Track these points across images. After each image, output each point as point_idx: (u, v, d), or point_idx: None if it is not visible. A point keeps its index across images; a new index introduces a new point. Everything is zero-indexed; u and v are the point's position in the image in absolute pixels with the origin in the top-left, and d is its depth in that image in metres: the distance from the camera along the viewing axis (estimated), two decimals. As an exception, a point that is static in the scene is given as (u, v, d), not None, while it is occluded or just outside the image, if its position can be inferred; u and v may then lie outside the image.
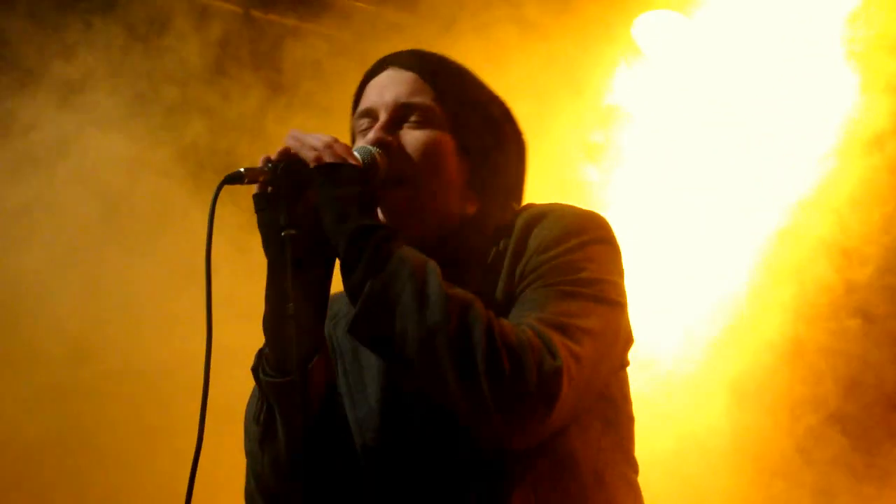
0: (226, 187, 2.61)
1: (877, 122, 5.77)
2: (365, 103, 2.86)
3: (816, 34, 5.84)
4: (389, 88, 2.83)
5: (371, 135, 2.76)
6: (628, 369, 2.85)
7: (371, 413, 2.81)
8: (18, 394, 5.73)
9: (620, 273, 2.76)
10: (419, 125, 2.79)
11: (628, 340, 2.77)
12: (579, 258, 2.65)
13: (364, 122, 2.83)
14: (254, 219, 2.76)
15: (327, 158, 2.60)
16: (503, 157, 2.91)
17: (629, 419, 2.82)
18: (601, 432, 2.71)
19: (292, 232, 2.60)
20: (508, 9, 5.82)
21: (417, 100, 2.81)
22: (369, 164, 2.68)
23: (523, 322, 2.53)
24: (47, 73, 5.73)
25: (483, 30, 5.77)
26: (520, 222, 2.72)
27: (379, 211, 2.73)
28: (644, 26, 5.90)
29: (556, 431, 2.57)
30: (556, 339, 2.47)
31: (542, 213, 2.73)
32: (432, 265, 2.52)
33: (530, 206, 2.84)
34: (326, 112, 5.53)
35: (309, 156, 2.61)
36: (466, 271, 2.69)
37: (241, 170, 2.60)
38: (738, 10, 5.89)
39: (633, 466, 2.79)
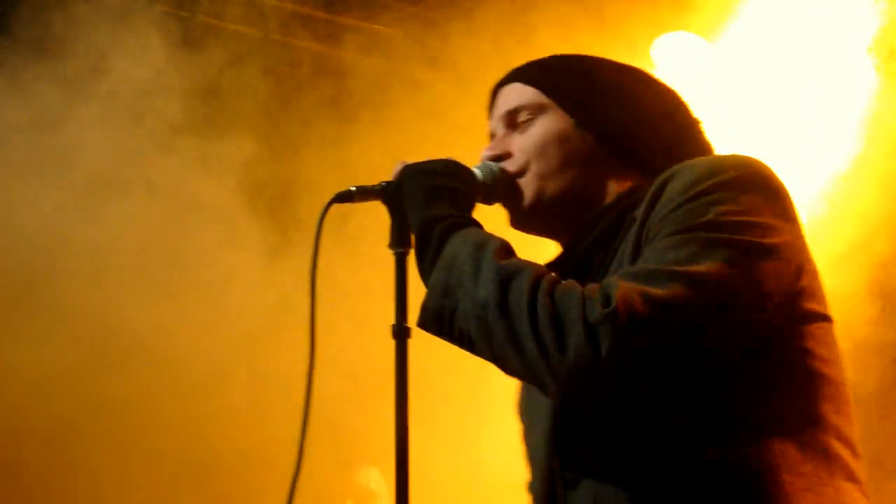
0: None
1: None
2: (489, 132, 2.83)
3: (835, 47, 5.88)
4: (499, 107, 2.80)
5: (484, 153, 2.74)
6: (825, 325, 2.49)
7: (538, 454, 2.69)
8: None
9: (769, 211, 2.40)
10: (527, 123, 2.73)
11: (787, 290, 2.40)
12: (703, 203, 2.38)
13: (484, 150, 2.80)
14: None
15: None
16: (642, 124, 2.70)
17: (817, 387, 2.43)
18: (757, 398, 2.39)
19: (400, 250, 2.63)
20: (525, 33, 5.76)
21: (517, 103, 2.75)
22: (489, 178, 2.67)
23: (604, 285, 2.36)
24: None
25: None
26: (655, 183, 2.49)
27: (515, 216, 2.70)
28: (663, 47, 5.94)
29: (658, 384, 2.37)
30: (625, 286, 2.29)
31: (679, 169, 2.48)
32: (493, 243, 2.45)
33: (677, 166, 2.54)
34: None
35: None
36: (606, 251, 2.58)
37: (352, 188, 2.64)
38: (758, 29, 5.91)
39: (807, 457, 2.37)
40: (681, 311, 2.26)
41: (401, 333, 2.58)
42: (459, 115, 5.50)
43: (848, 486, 2.38)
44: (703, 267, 2.28)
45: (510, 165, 2.69)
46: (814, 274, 2.46)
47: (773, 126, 5.95)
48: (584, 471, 2.51)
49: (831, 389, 2.42)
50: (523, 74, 2.78)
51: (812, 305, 2.43)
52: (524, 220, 2.70)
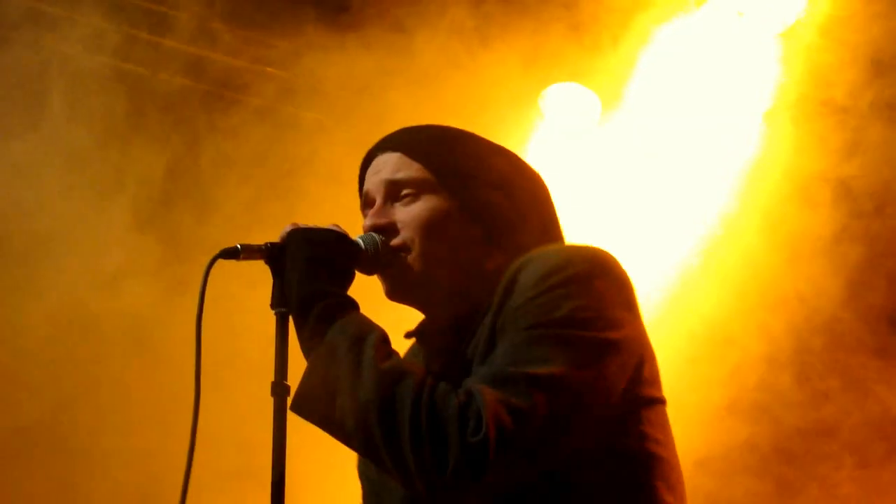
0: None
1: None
2: (363, 192, 2.85)
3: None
4: (379, 173, 2.80)
5: (367, 221, 2.75)
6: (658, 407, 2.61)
7: None
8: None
9: (615, 305, 2.50)
10: (412, 197, 2.74)
11: (635, 377, 2.51)
12: (555, 296, 2.45)
13: (365, 212, 2.81)
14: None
15: None
16: (518, 212, 2.76)
17: (653, 468, 2.53)
18: (602, 484, 2.49)
19: (282, 310, 2.62)
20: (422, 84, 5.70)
21: (403, 175, 2.76)
22: (372, 248, 2.68)
23: (469, 382, 2.42)
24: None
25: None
26: (511, 269, 2.57)
27: (391, 287, 2.73)
28: (552, 97, 5.99)
29: (535, 472, 2.43)
30: (490, 400, 2.33)
31: (530, 259, 2.56)
32: (373, 337, 2.48)
33: (532, 252, 2.62)
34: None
35: None
36: (464, 335, 2.64)
37: (238, 246, 2.62)
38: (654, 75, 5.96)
39: None
40: (544, 421, 2.31)
41: (280, 391, 2.56)
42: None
43: None
44: (557, 368, 2.33)
45: (394, 239, 2.71)
46: (652, 359, 2.57)
47: (663, 169, 6.05)
48: None
49: (665, 469, 2.51)
50: (408, 148, 2.79)
51: (650, 391, 2.53)
52: (404, 294, 2.73)
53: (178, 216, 5.83)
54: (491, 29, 5.51)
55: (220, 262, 2.64)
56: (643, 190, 6.06)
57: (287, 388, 2.56)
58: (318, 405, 2.47)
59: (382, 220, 2.72)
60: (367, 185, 2.82)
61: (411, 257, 2.69)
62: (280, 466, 2.56)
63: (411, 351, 2.85)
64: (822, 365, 6.11)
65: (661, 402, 2.59)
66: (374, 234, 2.70)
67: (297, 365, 2.60)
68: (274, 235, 2.72)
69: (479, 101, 5.63)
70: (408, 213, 2.72)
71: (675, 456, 2.58)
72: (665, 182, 6.00)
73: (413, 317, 2.85)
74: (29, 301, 5.55)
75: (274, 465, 2.55)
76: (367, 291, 2.74)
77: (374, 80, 5.83)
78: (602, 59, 5.76)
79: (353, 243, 2.67)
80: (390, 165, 2.77)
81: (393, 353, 2.48)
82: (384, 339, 2.48)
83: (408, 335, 2.79)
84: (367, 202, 2.81)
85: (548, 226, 2.82)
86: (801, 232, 5.74)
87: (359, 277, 2.72)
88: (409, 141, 2.82)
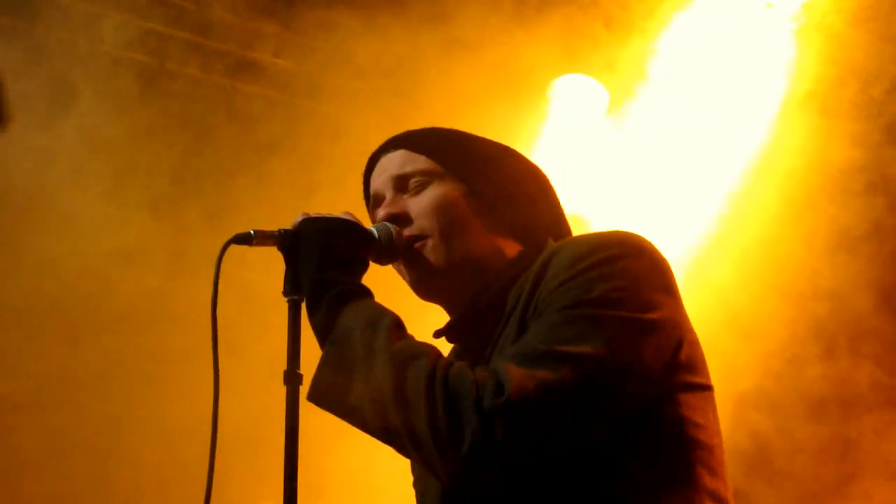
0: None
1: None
2: (371, 194, 2.87)
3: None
4: (385, 172, 2.83)
5: (380, 213, 2.76)
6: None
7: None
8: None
9: (651, 286, 2.47)
10: (421, 186, 2.77)
11: (668, 362, 2.46)
12: (588, 278, 2.45)
13: (374, 213, 2.84)
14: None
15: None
16: (524, 192, 2.83)
17: (692, 452, 2.49)
18: (636, 467, 2.44)
19: (294, 298, 2.62)
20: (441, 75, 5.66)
21: (410, 168, 2.79)
22: (385, 238, 2.68)
23: (494, 361, 2.44)
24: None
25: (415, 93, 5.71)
26: (541, 258, 2.58)
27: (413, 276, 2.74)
28: (561, 89, 6.00)
29: (547, 464, 2.38)
30: (515, 372, 2.32)
31: (563, 245, 2.58)
32: (385, 321, 2.49)
33: (562, 241, 2.65)
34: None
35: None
36: (494, 319, 2.63)
37: (251, 231, 2.63)
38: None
39: None
40: (570, 395, 2.29)
41: (292, 379, 2.56)
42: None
43: None
44: (588, 348, 2.31)
45: (410, 227, 2.72)
46: (694, 344, 2.53)
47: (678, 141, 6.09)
48: None
49: (705, 454, 2.47)
50: (410, 143, 2.82)
51: (691, 378, 2.49)
52: (430, 282, 2.72)
53: (191, 203, 5.85)
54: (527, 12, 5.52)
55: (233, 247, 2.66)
56: (663, 176, 6.10)
57: (300, 377, 2.56)
58: (334, 394, 2.47)
59: (395, 210, 2.74)
60: (374, 186, 2.85)
61: (430, 244, 2.70)
62: (293, 456, 2.55)
63: (453, 353, 2.83)
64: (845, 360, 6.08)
65: (703, 387, 2.54)
66: (387, 223, 2.70)
67: (309, 353, 2.60)
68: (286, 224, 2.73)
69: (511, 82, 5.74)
70: (419, 202, 2.74)
71: (720, 442, 2.54)
72: (682, 170, 6.05)
73: (430, 309, 2.86)
74: (48, 272, 5.57)
75: (286, 455, 2.54)
76: (386, 286, 2.74)
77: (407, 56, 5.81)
78: (628, 45, 5.77)
79: (367, 231, 2.67)
80: (396, 162, 2.80)
81: (407, 336, 2.48)
82: (398, 323, 2.48)
83: (437, 334, 2.76)
84: (375, 202, 2.83)
85: (555, 212, 2.86)
86: (828, 224, 5.75)
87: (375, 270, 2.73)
88: (412, 138, 2.85)
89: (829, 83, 5.72)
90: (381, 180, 2.82)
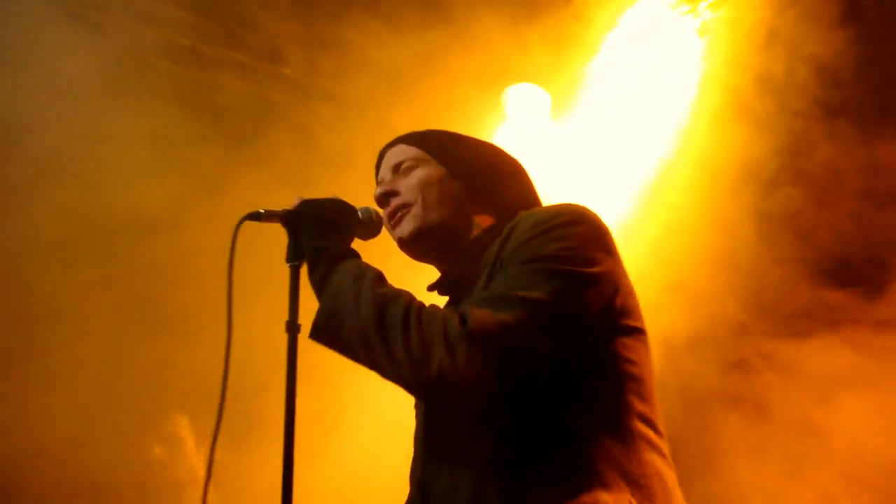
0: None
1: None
2: (378, 180, 3.04)
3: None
4: (387, 161, 3.01)
5: (377, 191, 2.94)
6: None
7: (417, 445, 2.86)
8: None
9: (594, 247, 2.58)
10: (409, 169, 2.94)
11: (606, 309, 2.57)
12: (543, 239, 2.57)
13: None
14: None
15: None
16: (497, 176, 2.96)
17: (625, 383, 2.59)
18: (579, 393, 2.54)
19: (295, 263, 2.79)
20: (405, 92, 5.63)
21: (403, 156, 2.97)
22: (369, 216, 2.88)
23: (463, 304, 2.52)
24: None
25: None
26: (508, 226, 2.69)
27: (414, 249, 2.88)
28: (512, 95, 6.04)
29: (506, 387, 2.48)
30: (476, 312, 2.44)
31: (526, 214, 2.68)
32: (371, 273, 2.62)
33: (526, 211, 2.73)
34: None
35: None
36: (471, 277, 2.73)
37: (261, 210, 2.80)
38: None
39: (614, 436, 2.53)
40: (522, 330, 2.42)
41: (293, 329, 2.72)
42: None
43: (651, 457, 2.53)
44: (539, 293, 2.44)
45: (398, 198, 2.89)
46: (629, 294, 2.65)
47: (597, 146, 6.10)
48: (445, 465, 2.65)
49: (636, 384, 2.57)
50: (406, 139, 3.01)
51: (625, 321, 2.61)
52: (410, 242, 2.87)
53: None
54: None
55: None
56: (602, 162, 6.08)
57: (298, 327, 2.71)
58: (330, 332, 2.59)
59: (388, 187, 2.91)
60: (380, 174, 3.03)
61: (413, 211, 2.87)
62: (291, 401, 2.68)
63: (445, 305, 2.91)
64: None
65: (636, 330, 2.64)
66: (369, 207, 2.89)
67: (306, 310, 2.71)
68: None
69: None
70: (407, 180, 2.91)
71: (651, 377, 2.64)
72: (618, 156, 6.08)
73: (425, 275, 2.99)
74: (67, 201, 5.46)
75: (287, 388, 2.68)
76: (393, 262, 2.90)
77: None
78: (570, 57, 5.86)
79: (352, 209, 2.86)
80: (394, 153, 3.00)
81: (387, 285, 2.61)
82: (380, 276, 2.63)
83: (429, 288, 2.91)
84: (379, 184, 3.01)
85: (526, 192, 3.00)
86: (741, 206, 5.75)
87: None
88: (409, 136, 3.03)
89: (744, 88, 5.73)
90: (383, 168, 3.00)
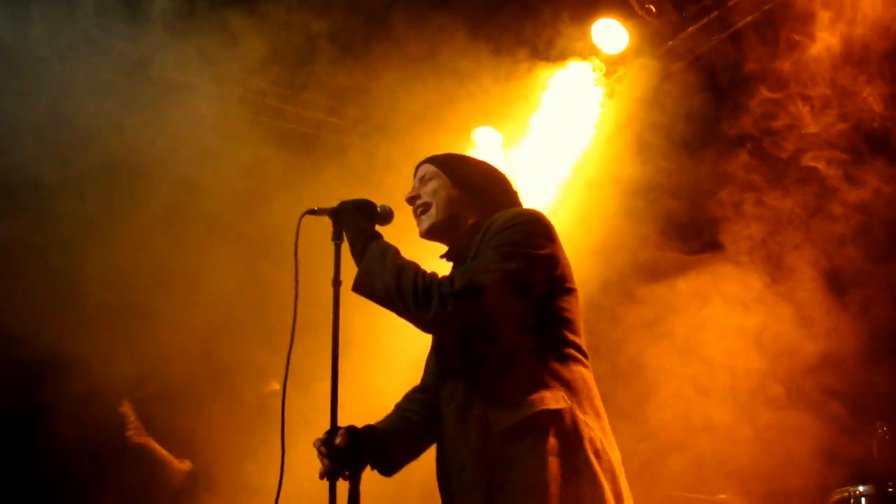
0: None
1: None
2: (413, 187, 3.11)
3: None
4: (417, 174, 3.10)
5: (407, 195, 3.05)
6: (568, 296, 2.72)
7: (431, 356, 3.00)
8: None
9: (542, 237, 2.70)
10: (428, 180, 3.03)
11: (548, 276, 2.68)
12: (511, 233, 2.68)
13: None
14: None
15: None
16: (483, 186, 3.00)
17: (561, 323, 2.71)
18: (530, 330, 2.65)
19: (337, 242, 2.88)
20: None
21: (425, 171, 3.05)
22: (386, 211, 2.96)
23: (453, 272, 2.68)
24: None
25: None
26: (488, 221, 2.80)
27: (425, 229, 2.95)
28: (479, 134, 5.99)
29: (481, 325, 2.60)
30: (461, 278, 2.58)
31: (499, 215, 2.79)
32: (392, 249, 2.73)
33: (500, 212, 2.83)
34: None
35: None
36: (464, 255, 2.82)
37: (316, 207, 2.91)
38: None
39: (555, 357, 2.66)
40: (490, 289, 2.57)
41: (336, 283, 2.82)
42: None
43: (579, 368, 2.69)
44: (504, 266, 2.61)
45: (420, 200, 3.00)
46: (566, 266, 2.79)
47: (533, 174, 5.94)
48: (448, 375, 2.78)
49: (570, 324, 2.74)
50: (429, 160, 3.10)
51: (564, 284, 2.77)
52: (431, 230, 2.99)
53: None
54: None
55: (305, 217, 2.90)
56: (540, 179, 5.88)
57: (340, 282, 2.80)
58: (365, 287, 2.72)
59: (414, 193, 3.04)
60: (414, 181, 3.12)
61: (430, 211, 2.98)
62: (336, 334, 2.72)
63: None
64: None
65: (571, 289, 2.79)
66: (385, 205, 2.96)
67: (344, 274, 2.81)
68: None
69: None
70: (426, 189, 3.02)
71: (579, 318, 2.78)
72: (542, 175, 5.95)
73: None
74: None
75: (333, 330, 2.72)
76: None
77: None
78: (515, 106, 5.81)
79: (374, 206, 2.94)
80: (422, 168, 3.09)
81: (403, 257, 2.73)
82: (398, 251, 2.76)
83: (441, 256, 3.00)
84: (412, 189, 3.10)
85: (503, 196, 3.03)
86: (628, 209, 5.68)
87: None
88: (432, 157, 3.10)
89: (632, 129, 5.74)
90: (415, 179, 3.09)
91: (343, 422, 2.75)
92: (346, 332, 2.83)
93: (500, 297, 2.57)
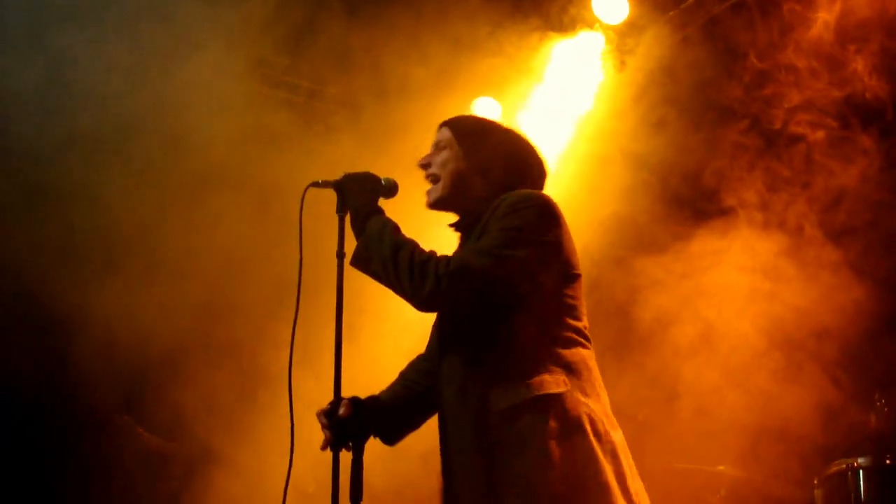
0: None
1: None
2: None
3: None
4: (435, 136, 2.97)
5: (421, 160, 2.94)
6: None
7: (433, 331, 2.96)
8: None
9: (548, 222, 2.65)
10: (441, 149, 2.91)
11: (551, 262, 2.63)
12: (516, 217, 2.62)
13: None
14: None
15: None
16: (497, 157, 2.87)
17: (564, 308, 2.67)
18: (532, 314, 2.62)
19: (341, 214, 2.83)
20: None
21: (440, 137, 2.93)
22: (390, 184, 2.88)
23: (455, 253, 2.63)
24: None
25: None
26: (497, 200, 2.72)
27: (435, 200, 2.87)
28: (480, 105, 5.93)
29: (477, 308, 2.58)
30: (461, 258, 2.55)
31: (507, 195, 2.71)
32: (390, 226, 2.69)
33: (512, 192, 2.74)
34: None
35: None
36: (473, 228, 2.76)
37: (320, 180, 2.85)
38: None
39: (555, 342, 2.62)
40: (487, 272, 2.54)
41: (340, 255, 2.79)
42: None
43: (581, 351, 2.66)
44: (505, 251, 2.57)
45: (431, 170, 2.90)
46: (571, 252, 2.72)
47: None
48: (447, 355, 2.74)
49: (573, 309, 2.69)
50: (450, 124, 2.96)
51: (569, 270, 2.71)
52: (436, 203, 2.91)
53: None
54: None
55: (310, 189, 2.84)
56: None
57: (344, 255, 2.77)
58: (363, 262, 2.70)
59: (424, 161, 2.93)
60: (434, 141, 2.98)
61: (438, 185, 2.89)
62: (340, 303, 2.71)
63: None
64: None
65: (576, 275, 2.73)
66: (389, 178, 2.88)
67: (349, 246, 2.78)
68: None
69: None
70: (437, 158, 2.91)
71: (582, 303, 2.72)
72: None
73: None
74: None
75: (338, 296, 2.71)
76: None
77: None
78: (515, 80, 5.81)
79: (378, 179, 2.87)
80: (440, 133, 2.96)
81: (401, 234, 2.69)
82: (396, 227, 2.71)
83: (450, 226, 2.93)
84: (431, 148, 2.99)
85: (523, 174, 2.90)
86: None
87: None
88: (449, 120, 2.98)
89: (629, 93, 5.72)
90: (435, 139, 2.96)
91: (354, 389, 2.74)
92: (358, 299, 2.80)
93: (497, 280, 2.55)
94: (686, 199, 5.77)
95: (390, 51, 5.36)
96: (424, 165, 2.92)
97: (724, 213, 5.45)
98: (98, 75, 4.63)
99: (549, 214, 2.69)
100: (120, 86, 4.68)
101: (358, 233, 2.75)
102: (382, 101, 5.58)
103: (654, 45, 5.69)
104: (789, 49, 4.98)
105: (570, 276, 2.71)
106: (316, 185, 2.85)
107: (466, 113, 3.60)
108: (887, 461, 4.27)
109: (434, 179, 2.91)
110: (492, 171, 2.87)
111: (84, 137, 4.69)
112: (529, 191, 2.80)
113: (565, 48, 5.76)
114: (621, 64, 5.87)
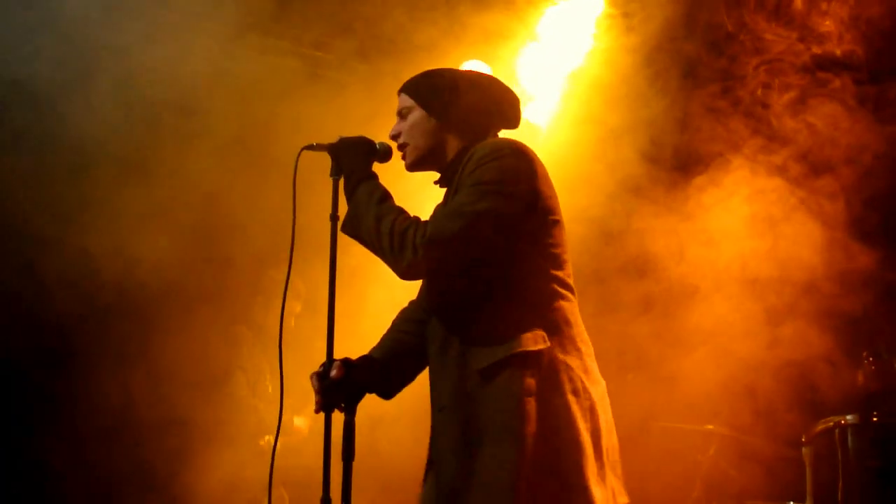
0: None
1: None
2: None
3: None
4: (398, 105, 2.92)
5: (392, 131, 2.91)
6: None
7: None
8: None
9: (522, 173, 2.60)
10: (405, 116, 2.87)
11: (528, 212, 2.59)
12: (486, 169, 2.59)
13: None
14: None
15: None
16: (463, 112, 2.81)
17: (548, 258, 2.64)
18: (513, 268, 2.60)
19: (336, 177, 2.79)
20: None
21: (402, 105, 2.88)
22: (385, 149, 2.88)
23: (431, 215, 2.64)
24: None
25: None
26: (469, 153, 2.70)
27: (411, 163, 2.84)
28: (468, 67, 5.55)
29: (456, 271, 2.58)
30: (435, 223, 2.54)
31: (478, 146, 2.68)
32: (379, 192, 2.68)
33: (481, 143, 2.71)
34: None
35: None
36: (453, 180, 2.73)
37: (314, 143, 2.81)
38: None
39: (537, 296, 2.61)
40: (464, 234, 2.53)
41: (334, 218, 2.76)
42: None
43: (562, 304, 2.63)
44: (480, 207, 2.54)
45: (401, 138, 2.87)
46: (551, 198, 2.68)
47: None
48: (431, 314, 2.77)
49: (555, 258, 2.66)
50: (406, 88, 2.91)
51: (549, 217, 2.67)
52: (412, 166, 2.88)
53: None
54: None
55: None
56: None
57: (337, 217, 2.76)
58: (352, 228, 2.71)
59: (394, 132, 2.89)
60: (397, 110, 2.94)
61: (408, 149, 2.87)
62: (333, 265, 2.69)
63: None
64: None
65: (557, 222, 2.69)
66: (384, 142, 2.88)
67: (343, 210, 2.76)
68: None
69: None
70: (404, 126, 2.88)
71: (565, 251, 2.70)
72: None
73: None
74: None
75: (331, 259, 2.69)
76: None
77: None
78: (505, 46, 5.71)
79: (372, 143, 2.86)
80: (400, 101, 2.91)
81: (388, 201, 2.68)
82: (385, 195, 2.70)
83: (435, 183, 2.91)
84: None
85: (490, 113, 2.86)
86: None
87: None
88: (408, 85, 2.92)
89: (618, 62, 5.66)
90: (397, 111, 2.92)
91: (347, 348, 2.74)
92: (352, 258, 2.79)
93: (472, 241, 2.54)
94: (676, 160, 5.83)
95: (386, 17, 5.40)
96: (394, 137, 2.89)
97: (711, 167, 5.51)
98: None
99: (522, 162, 2.63)
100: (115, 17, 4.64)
101: (349, 198, 2.76)
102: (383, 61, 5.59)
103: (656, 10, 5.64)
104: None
105: (549, 222, 2.66)
106: (310, 148, 2.83)
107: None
108: (874, 418, 4.30)
109: (402, 147, 2.88)
110: (460, 122, 2.83)
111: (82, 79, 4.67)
112: (499, 139, 2.76)
113: (567, 9, 5.75)
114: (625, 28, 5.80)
